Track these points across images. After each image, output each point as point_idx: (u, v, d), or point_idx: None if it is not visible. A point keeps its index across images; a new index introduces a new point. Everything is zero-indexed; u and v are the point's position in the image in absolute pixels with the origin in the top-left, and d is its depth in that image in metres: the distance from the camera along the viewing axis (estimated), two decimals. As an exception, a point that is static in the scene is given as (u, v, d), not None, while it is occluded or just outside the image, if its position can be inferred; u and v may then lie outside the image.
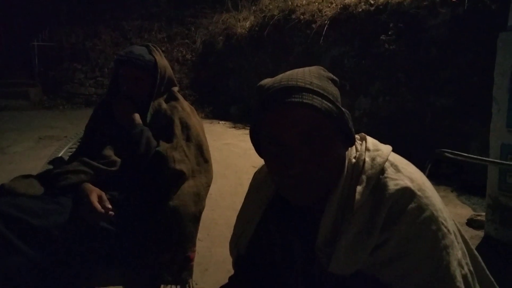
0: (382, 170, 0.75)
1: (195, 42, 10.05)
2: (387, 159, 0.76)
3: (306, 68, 0.78)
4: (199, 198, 1.45)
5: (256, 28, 7.54)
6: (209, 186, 1.53)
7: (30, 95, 9.02)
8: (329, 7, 5.87)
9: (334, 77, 0.79)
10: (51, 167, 1.50)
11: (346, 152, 0.78)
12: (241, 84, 8.06)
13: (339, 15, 5.50)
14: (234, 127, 6.77)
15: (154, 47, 1.63)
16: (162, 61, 1.60)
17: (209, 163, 1.58)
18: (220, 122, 7.34)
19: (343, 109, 0.75)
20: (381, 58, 4.65)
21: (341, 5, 5.53)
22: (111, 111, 1.56)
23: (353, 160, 0.78)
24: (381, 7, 4.79)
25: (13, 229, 1.17)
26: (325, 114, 0.70)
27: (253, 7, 8.40)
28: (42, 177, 1.42)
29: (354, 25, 5.17)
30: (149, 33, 10.63)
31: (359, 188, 0.73)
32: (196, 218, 1.43)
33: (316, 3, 6.24)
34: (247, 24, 8.04)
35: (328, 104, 0.71)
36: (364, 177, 0.74)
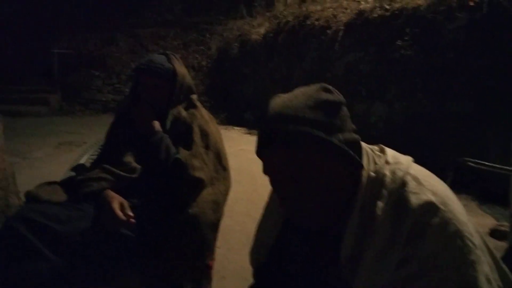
0: (403, 184, 0.73)
1: (210, 48, 10.14)
2: (407, 172, 0.75)
3: (306, 93, 0.76)
4: (218, 206, 1.46)
5: (271, 35, 7.56)
6: (227, 193, 1.54)
7: (50, 101, 9.21)
8: (344, 12, 5.85)
9: (337, 99, 0.76)
10: (74, 174, 1.53)
11: (364, 167, 0.77)
12: (256, 90, 8.08)
13: (354, 21, 5.47)
14: (249, 133, 6.77)
15: (173, 55, 1.65)
16: (181, 69, 1.62)
17: (228, 171, 1.59)
18: (235, 128, 7.35)
19: (340, 138, 0.72)
20: (397, 63, 4.61)
21: (356, 11, 5.50)
22: (131, 119, 1.59)
23: (373, 175, 0.76)
24: (396, 12, 4.75)
25: (37, 234, 1.20)
26: (312, 150, 0.71)
27: (268, 14, 8.44)
28: (65, 184, 1.45)
29: (370, 31, 5.14)
30: (164, 40, 10.77)
31: (380, 204, 0.72)
32: (214, 226, 1.44)
33: (331, 9, 6.22)
34: (262, 30, 8.07)
35: (317, 137, 0.70)
36: (385, 191, 0.73)
